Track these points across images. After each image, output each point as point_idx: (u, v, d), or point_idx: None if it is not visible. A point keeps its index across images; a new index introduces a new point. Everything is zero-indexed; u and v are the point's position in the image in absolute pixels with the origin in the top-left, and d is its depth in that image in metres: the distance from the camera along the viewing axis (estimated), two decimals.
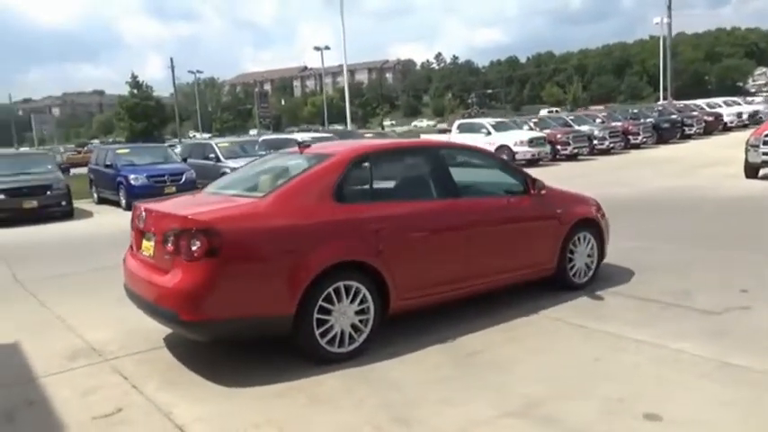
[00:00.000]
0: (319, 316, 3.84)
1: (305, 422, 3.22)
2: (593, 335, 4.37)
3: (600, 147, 22.76)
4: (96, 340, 4.59)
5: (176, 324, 3.69)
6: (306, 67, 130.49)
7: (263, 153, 14.58)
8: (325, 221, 3.94)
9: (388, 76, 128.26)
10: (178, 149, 20.50)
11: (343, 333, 3.96)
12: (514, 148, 20.75)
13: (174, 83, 56.74)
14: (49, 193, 13.15)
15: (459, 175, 4.79)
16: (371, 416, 3.24)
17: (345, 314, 3.96)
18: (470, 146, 5.89)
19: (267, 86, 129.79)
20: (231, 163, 15.28)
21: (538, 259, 5.21)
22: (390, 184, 4.66)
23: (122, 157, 16.10)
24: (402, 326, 4.47)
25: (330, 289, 3.87)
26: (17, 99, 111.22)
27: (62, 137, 51.40)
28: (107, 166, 15.74)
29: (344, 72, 35.67)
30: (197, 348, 4.21)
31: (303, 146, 4.65)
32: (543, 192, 5.17)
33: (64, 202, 13.39)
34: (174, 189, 14.67)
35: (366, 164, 4.35)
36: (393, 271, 4.15)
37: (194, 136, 54.89)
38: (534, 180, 5.11)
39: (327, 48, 48.34)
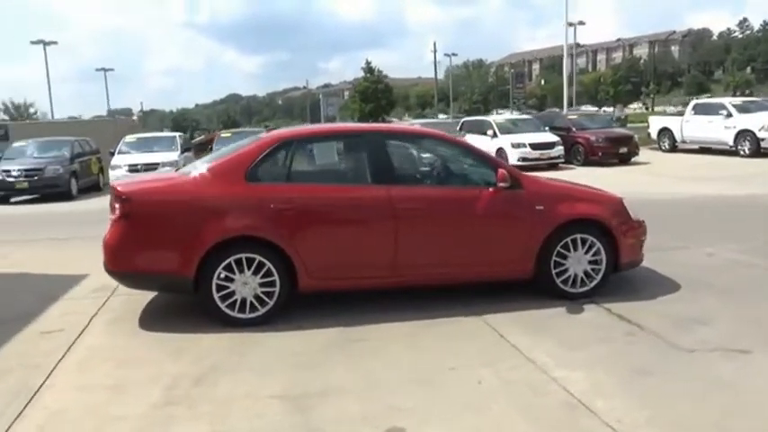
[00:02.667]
0: (220, 282, 4.34)
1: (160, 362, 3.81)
2: (499, 348, 3.96)
3: None
4: None
5: (107, 272, 4.59)
6: (578, 44, 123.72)
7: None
8: (231, 199, 4.39)
9: (674, 49, 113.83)
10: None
11: (245, 300, 4.39)
12: (759, 134, 17.07)
13: (434, 66, 60.37)
14: None
15: (408, 161, 4.67)
16: (198, 370, 3.69)
17: (248, 284, 4.37)
18: (435, 133, 5.36)
19: (536, 66, 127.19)
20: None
21: (500, 258, 4.78)
22: (311, 169, 4.83)
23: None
24: (323, 306, 4.70)
25: (231, 259, 4.33)
26: (318, 85, 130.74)
27: (346, 117, 59.25)
28: None
29: (564, 49, 33.59)
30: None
31: (268, 129, 5.11)
32: (517, 185, 4.69)
33: None
34: None
35: (286, 148, 4.61)
36: (300, 250, 4.39)
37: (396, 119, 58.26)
38: (505, 173, 4.66)
39: (582, 23, 45.67)
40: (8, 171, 14.44)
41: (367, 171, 4.66)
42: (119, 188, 4.48)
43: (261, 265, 4.37)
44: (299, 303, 4.65)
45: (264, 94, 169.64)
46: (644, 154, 18.13)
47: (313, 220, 4.48)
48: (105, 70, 51.23)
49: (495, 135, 17.69)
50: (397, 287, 4.72)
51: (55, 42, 38.77)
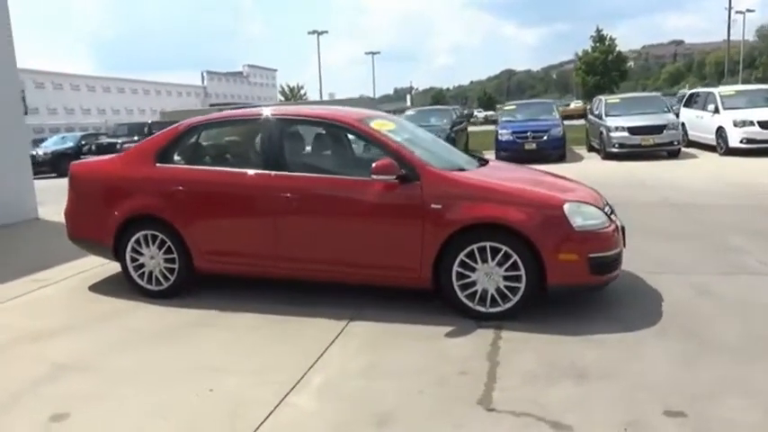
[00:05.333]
0: (133, 255, 4.79)
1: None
2: (298, 357, 3.56)
3: None
4: None
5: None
6: None
7: None
8: (140, 180, 4.74)
9: None
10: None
11: (152, 273, 4.77)
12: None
13: (728, 27, 50.83)
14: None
15: (301, 148, 4.36)
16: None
17: (154, 258, 4.73)
18: (334, 117, 4.56)
19: None
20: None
21: (392, 263, 4.18)
22: (211, 153, 4.80)
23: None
24: (248, 289, 4.79)
25: (139, 234, 4.73)
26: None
27: (628, 88, 53.91)
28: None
29: None
30: None
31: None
32: (412, 178, 4.04)
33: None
34: (533, 146, 15.11)
35: (192, 133, 4.73)
36: (191, 231, 4.57)
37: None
38: (386, 163, 4.02)
39: None
40: None
41: (258, 157, 4.55)
42: (72, 165, 5.23)
43: (164, 242, 4.68)
44: (233, 283, 4.83)
45: (539, 68, 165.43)
46: None
47: (202, 203, 4.58)
48: (373, 54, 56.35)
49: (716, 111, 14.48)
50: (291, 279, 4.53)
51: (326, 32, 44.20)
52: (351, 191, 4.22)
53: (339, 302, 4.42)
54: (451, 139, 16.48)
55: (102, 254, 5.10)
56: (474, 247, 3.95)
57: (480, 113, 52.19)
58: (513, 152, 15.24)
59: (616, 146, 14.02)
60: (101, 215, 4.86)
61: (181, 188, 4.59)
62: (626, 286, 4.60)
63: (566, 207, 3.92)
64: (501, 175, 4.57)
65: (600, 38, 48.82)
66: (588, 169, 12.66)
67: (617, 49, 49.71)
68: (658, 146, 13.96)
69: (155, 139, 4.98)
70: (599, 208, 4.14)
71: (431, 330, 3.88)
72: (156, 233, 4.69)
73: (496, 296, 3.98)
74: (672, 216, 7.28)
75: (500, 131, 15.86)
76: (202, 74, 50.97)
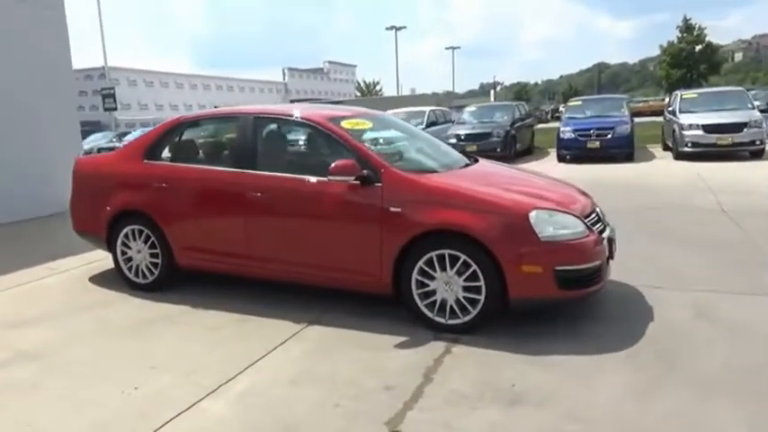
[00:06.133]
0: (123, 248, 4.96)
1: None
2: (236, 357, 3.51)
3: None
4: None
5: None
6: None
7: None
8: (128, 175, 4.88)
9: None
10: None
11: (139, 267, 4.91)
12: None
13: None
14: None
15: (272, 147, 4.30)
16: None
17: (141, 252, 4.87)
18: (306, 116, 4.38)
19: None
20: None
21: (353, 267, 4.04)
22: (193, 151, 4.84)
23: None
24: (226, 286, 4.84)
25: (127, 229, 4.88)
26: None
27: (736, 81, 49.65)
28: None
29: None
30: None
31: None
32: (374, 179, 3.88)
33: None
34: (597, 144, 14.27)
35: (177, 130, 4.81)
36: (171, 227, 4.66)
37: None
38: (346, 163, 3.88)
39: None
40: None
41: (232, 155, 4.55)
42: (76, 160, 5.46)
43: (149, 237, 4.80)
44: (219, 280, 4.85)
45: (636, 60, 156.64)
46: None
47: (181, 200, 4.64)
48: (453, 48, 55.71)
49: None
50: (263, 279, 4.49)
51: (404, 27, 44.14)
52: (314, 192, 4.11)
53: (307, 304, 4.34)
54: (511, 137, 15.96)
55: (101, 246, 5.31)
56: (433, 254, 3.74)
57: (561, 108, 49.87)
58: (575, 151, 14.50)
59: (689, 145, 12.91)
60: (97, 209, 5.06)
61: (163, 185, 4.69)
62: (619, 301, 4.21)
63: (532, 215, 3.61)
64: (476, 177, 4.29)
65: (687, 27, 44.82)
66: (651, 170, 11.83)
67: (707, 38, 45.71)
68: (738, 145, 12.70)
69: (145, 135, 5.11)
70: (576, 216, 3.78)
71: (383, 340, 3.72)
72: (142, 228, 4.82)
73: (455, 308, 3.75)
74: (716, 223, 6.59)
75: (561, 129, 15.09)
76: (283, 70, 52.47)
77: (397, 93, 44.59)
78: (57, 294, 5.04)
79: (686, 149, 12.93)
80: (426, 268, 3.77)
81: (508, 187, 4.04)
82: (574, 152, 14.62)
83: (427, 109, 18.45)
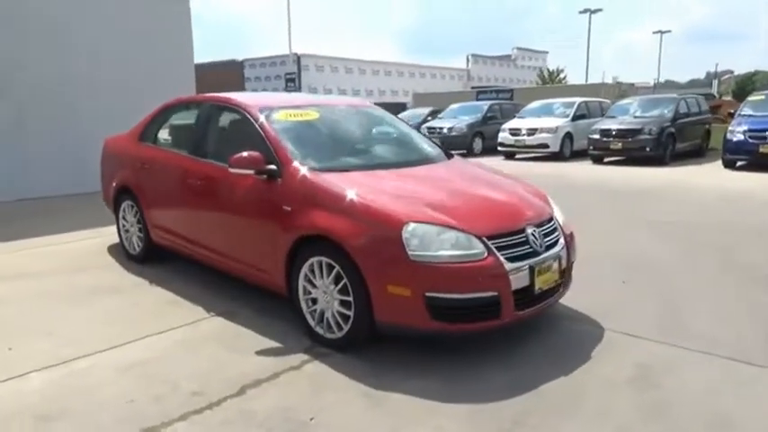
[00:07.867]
0: (122, 221, 5.41)
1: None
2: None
3: None
4: None
5: None
6: None
7: None
8: (127, 155, 5.25)
9: None
10: None
11: (131, 239, 5.31)
12: None
13: None
14: None
15: (215, 134, 4.38)
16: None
17: (133, 227, 5.26)
18: (237, 103, 4.22)
19: None
20: None
21: (256, 263, 3.89)
22: (171, 134, 5.07)
23: (753, 105, 13.17)
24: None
25: (124, 204, 5.30)
26: None
27: None
28: None
29: None
30: None
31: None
32: (276, 173, 3.67)
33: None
34: None
35: (165, 114, 5.06)
36: (146, 206, 4.95)
37: None
38: (250, 155, 3.67)
39: None
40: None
41: (189, 141, 4.63)
42: (106, 138, 5.99)
43: (137, 212, 5.17)
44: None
45: None
46: None
47: (153, 181, 4.89)
48: (662, 32, 50.10)
49: None
50: (207, 265, 4.51)
51: (600, 10, 40.75)
52: (230, 183, 3.99)
53: (235, 294, 4.30)
54: (668, 135, 13.82)
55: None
56: (314, 260, 3.43)
57: None
58: (744, 156, 12.14)
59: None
60: (109, 183, 5.58)
61: (145, 166, 4.99)
62: (555, 341, 3.45)
63: (407, 228, 3.09)
64: (405, 179, 3.76)
65: None
66: None
67: None
68: None
69: (144, 118, 5.46)
70: (477, 236, 3.13)
71: (257, 342, 3.53)
72: (133, 204, 5.19)
73: (331, 322, 3.40)
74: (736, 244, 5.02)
75: (730, 128, 12.64)
76: (467, 57, 51.97)
77: (586, 81, 41.38)
78: (70, 256, 5.65)
79: (726, 156, 10.66)
80: (310, 275, 3.48)
81: (418, 194, 3.49)
82: (742, 157, 12.23)
83: (578, 100, 16.89)
